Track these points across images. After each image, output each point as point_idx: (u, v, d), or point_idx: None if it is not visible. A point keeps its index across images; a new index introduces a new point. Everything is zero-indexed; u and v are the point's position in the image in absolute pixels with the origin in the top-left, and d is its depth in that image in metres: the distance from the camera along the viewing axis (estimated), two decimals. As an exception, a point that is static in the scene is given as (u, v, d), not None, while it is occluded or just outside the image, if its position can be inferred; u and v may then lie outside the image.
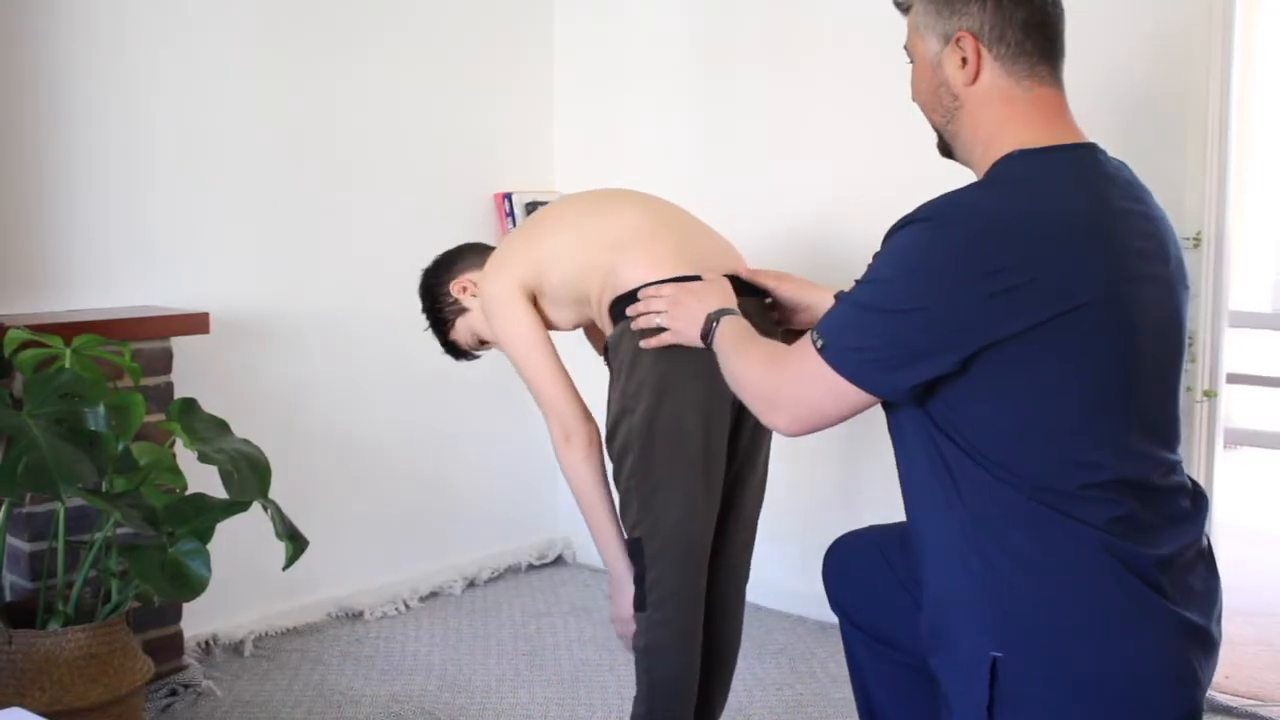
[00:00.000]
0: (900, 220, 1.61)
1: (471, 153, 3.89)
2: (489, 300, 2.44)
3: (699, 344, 2.06)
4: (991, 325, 1.51)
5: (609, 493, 2.37)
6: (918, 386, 1.58)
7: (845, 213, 3.47)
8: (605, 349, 2.35)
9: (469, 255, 2.62)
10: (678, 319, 2.10)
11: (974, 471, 1.57)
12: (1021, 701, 1.54)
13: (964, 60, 1.64)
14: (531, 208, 3.89)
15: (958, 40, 1.64)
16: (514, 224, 3.89)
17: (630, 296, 2.24)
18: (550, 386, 2.36)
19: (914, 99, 1.77)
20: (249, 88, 3.32)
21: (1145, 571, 1.54)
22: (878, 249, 1.66)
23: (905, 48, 1.76)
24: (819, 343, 1.63)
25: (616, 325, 2.28)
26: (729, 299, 2.10)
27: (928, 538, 1.66)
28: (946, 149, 1.77)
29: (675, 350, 2.20)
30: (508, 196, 3.90)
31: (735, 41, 3.70)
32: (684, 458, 2.24)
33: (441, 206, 3.81)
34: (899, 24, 1.82)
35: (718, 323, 2.01)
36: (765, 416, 1.76)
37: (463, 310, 2.60)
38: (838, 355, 1.61)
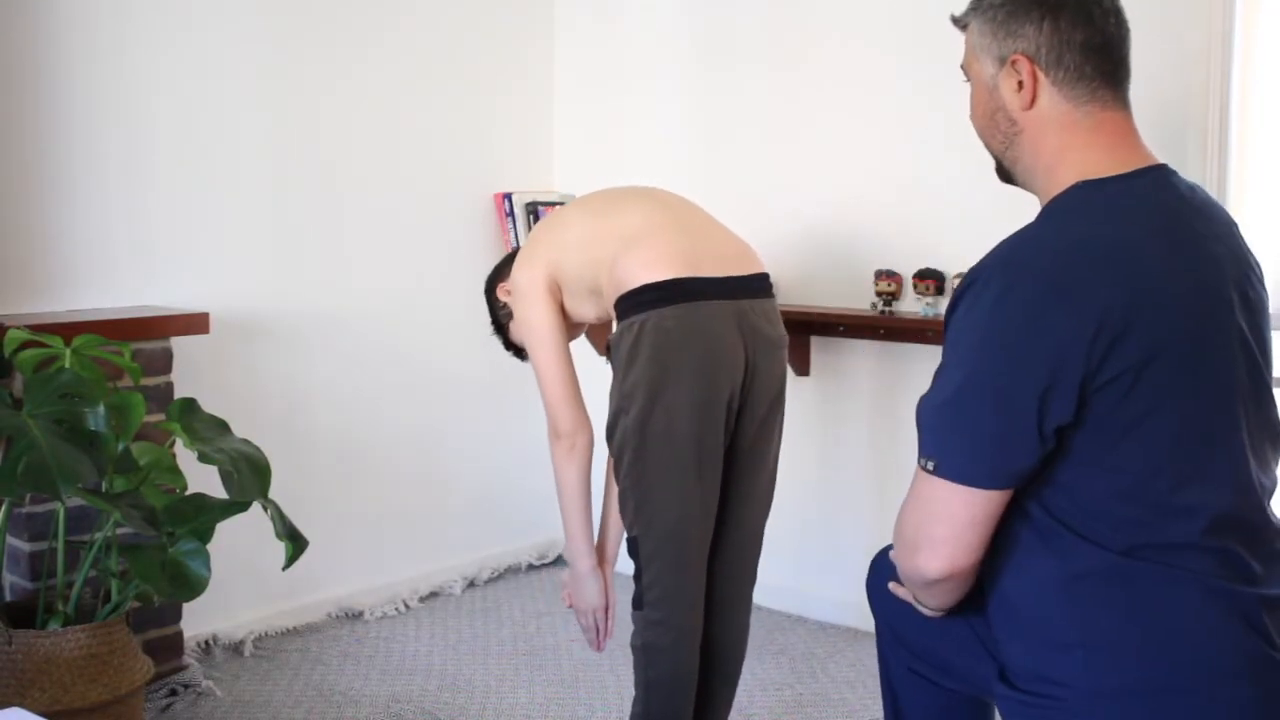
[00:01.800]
0: (960, 285, 1.53)
1: (471, 153, 3.90)
2: (515, 290, 2.49)
3: None
4: (1089, 364, 1.43)
5: (586, 493, 2.44)
6: (1046, 451, 1.47)
7: (845, 212, 3.47)
8: (607, 347, 2.37)
9: (513, 261, 2.64)
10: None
11: (1060, 530, 1.50)
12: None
13: (1020, 84, 1.57)
14: (531, 208, 3.89)
15: (1013, 63, 1.56)
16: (514, 224, 3.89)
17: (633, 295, 2.25)
18: (553, 384, 2.40)
19: (971, 120, 1.68)
20: (249, 88, 3.32)
21: (1250, 614, 1.48)
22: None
23: (962, 67, 1.68)
24: (929, 465, 1.51)
25: (620, 323, 2.29)
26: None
27: (1009, 587, 1.58)
28: (1006, 174, 1.69)
29: (672, 351, 2.20)
30: (508, 196, 3.90)
31: (735, 41, 3.70)
32: (678, 458, 2.24)
33: (441, 206, 3.81)
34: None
35: None
36: (911, 563, 1.58)
37: (511, 314, 2.63)
38: (953, 466, 1.49)
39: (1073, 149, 1.55)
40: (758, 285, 2.35)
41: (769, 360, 2.33)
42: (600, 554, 2.52)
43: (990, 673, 1.65)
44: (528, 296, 2.43)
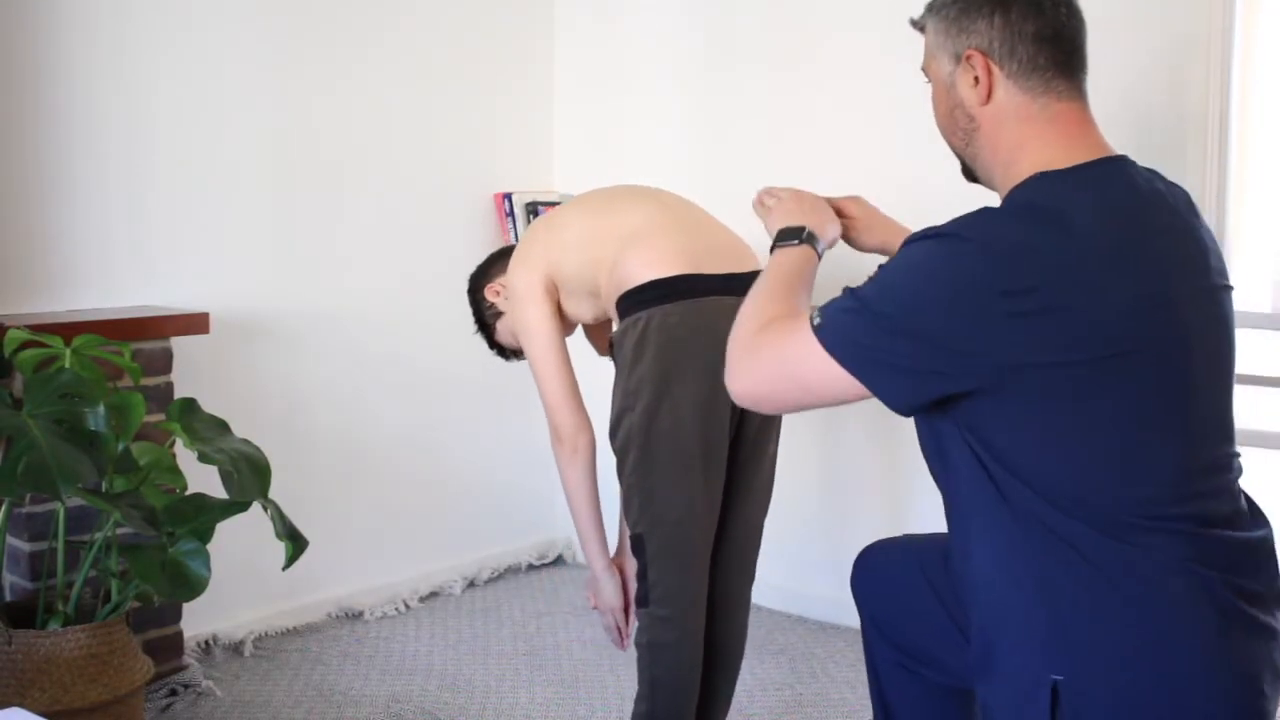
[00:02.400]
0: (920, 232, 1.55)
1: (471, 153, 3.89)
2: (512, 293, 2.49)
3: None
4: (1011, 347, 1.43)
5: (594, 494, 2.43)
6: (924, 404, 1.51)
7: (845, 213, 3.47)
8: (610, 345, 2.37)
9: (501, 260, 2.65)
10: (777, 214, 1.88)
11: (1023, 492, 1.49)
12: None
13: (976, 79, 1.59)
14: (531, 208, 3.89)
15: (968, 59, 1.59)
16: (514, 224, 3.89)
17: (636, 292, 2.25)
18: (552, 387, 2.40)
19: (936, 122, 1.70)
20: (249, 88, 3.32)
21: (1222, 599, 1.48)
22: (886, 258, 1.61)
23: (922, 69, 1.70)
24: (817, 320, 1.53)
25: (622, 321, 2.29)
26: (826, 228, 1.86)
27: (974, 555, 1.58)
28: (970, 173, 1.71)
29: (677, 347, 2.21)
30: (508, 196, 3.89)
31: (735, 41, 3.70)
32: (683, 455, 2.25)
33: (441, 206, 3.81)
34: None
35: (787, 241, 1.79)
36: (729, 369, 1.64)
37: (499, 314, 2.64)
38: (837, 341, 1.50)
39: (1029, 141, 1.56)
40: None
41: None
42: (620, 553, 2.51)
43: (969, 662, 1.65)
44: (525, 299, 2.43)
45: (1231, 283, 1.64)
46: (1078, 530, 1.47)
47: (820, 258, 1.82)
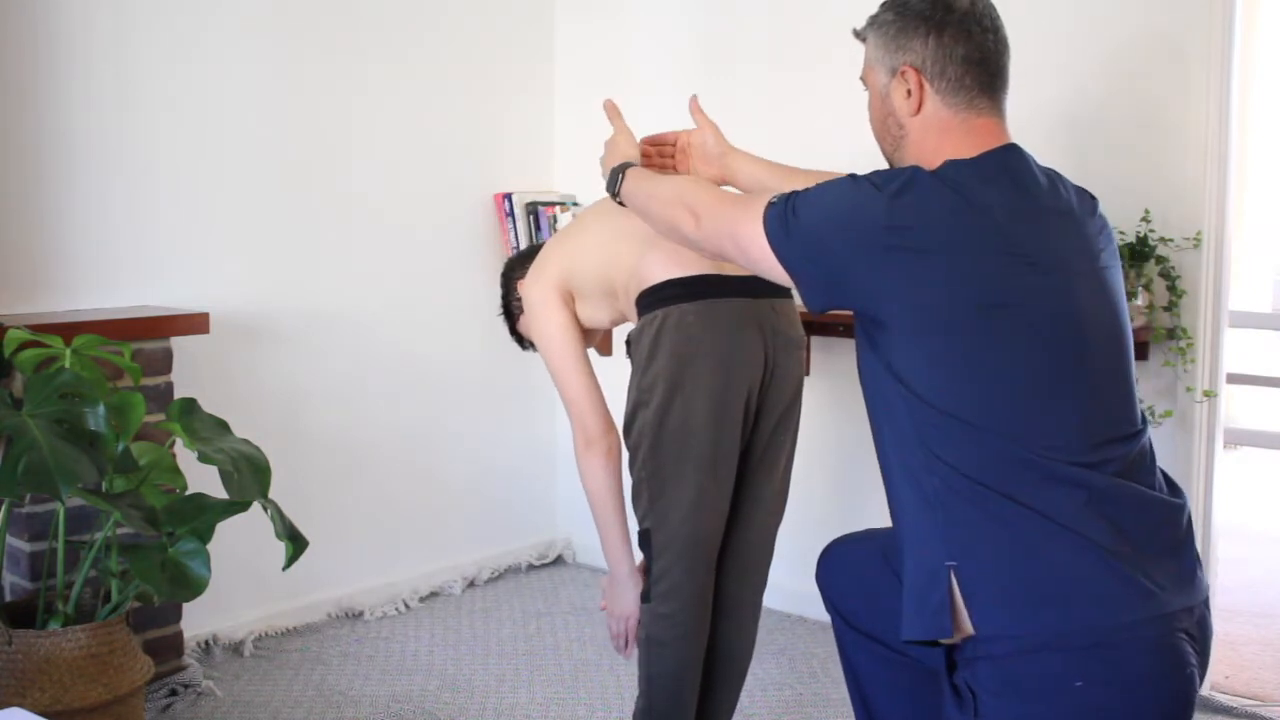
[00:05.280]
0: (852, 174, 1.73)
1: (471, 153, 3.90)
2: (528, 304, 2.49)
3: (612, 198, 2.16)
4: (891, 279, 1.62)
5: (621, 499, 2.40)
6: (826, 307, 1.72)
7: (845, 213, 3.47)
8: (627, 342, 2.37)
9: (535, 256, 2.62)
10: (604, 165, 2.22)
11: (927, 413, 1.65)
12: (973, 604, 1.62)
13: (909, 92, 1.74)
14: (531, 208, 3.89)
15: (903, 74, 1.75)
16: (514, 224, 3.89)
17: (655, 290, 2.26)
18: (578, 393, 2.39)
19: (870, 127, 1.87)
20: (250, 88, 3.32)
21: (1108, 542, 1.60)
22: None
23: (861, 78, 1.87)
24: (773, 200, 1.74)
25: (641, 318, 2.29)
26: (628, 155, 2.22)
27: (894, 484, 1.73)
28: None
29: (692, 346, 2.22)
30: (508, 197, 3.89)
31: (736, 42, 3.70)
32: (694, 453, 2.25)
33: (441, 206, 3.81)
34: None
35: (623, 175, 2.10)
36: (681, 221, 1.89)
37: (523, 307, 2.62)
38: (773, 230, 1.72)
39: (945, 148, 1.72)
40: (778, 286, 2.36)
41: (787, 359, 2.34)
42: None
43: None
44: (540, 309, 2.43)
45: (1119, 262, 1.80)
46: (983, 465, 1.62)
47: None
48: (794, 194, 1.74)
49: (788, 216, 1.72)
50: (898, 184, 1.65)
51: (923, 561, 1.67)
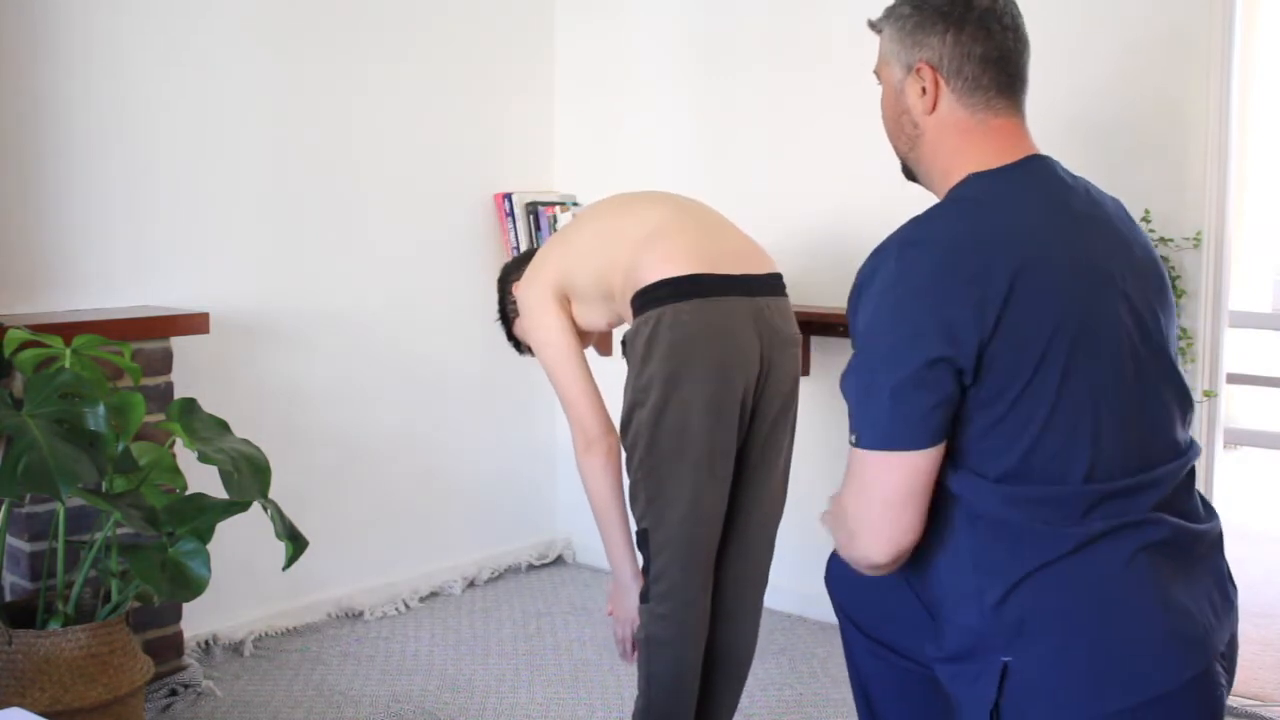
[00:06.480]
0: (864, 265, 1.61)
1: (471, 153, 3.90)
2: (524, 307, 2.50)
3: None
4: (983, 330, 1.51)
5: (623, 501, 2.41)
6: (948, 413, 1.54)
7: (845, 213, 3.47)
8: (624, 342, 2.37)
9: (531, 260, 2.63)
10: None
11: (975, 482, 1.56)
12: (1029, 700, 1.54)
13: (924, 90, 1.68)
14: (531, 208, 3.89)
15: (918, 70, 1.68)
16: (514, 224, 3.89)
17: (650, 290, 2.26)
18: (576, 395, 2.39)
19: (883, 124, 1.80)
20: (249, 88, 3.32)
21: (1164, 586, 1.54)
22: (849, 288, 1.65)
23: (875, 72, 1.80)
24: (854, 438, 1.57)
25: (636, 318, 2.30)
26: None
27: (933, 544, 1.63)
28: (910, 174, 1.80)
29: (688, 345, 2.21)
30: (508, 196, 3.90)
31: (735, 42, 3.70)
32: (691, 452, 2.25)
33: (441, 207, 3.81)
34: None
35: None
36: (852, 550, 1.62)
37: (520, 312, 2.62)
38: (876, 435, 1.54)
39: (967, 150, 1.66)
40: (774, 284, 2.37)
41: (783, 357, 2.35)
42: None
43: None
44: (537, 312, 2.44)
45: (1165, 276, 1.71)
46: (1018, 517, 1.54)
47: None
48: (852, 378, 1.59)
49: (869, 402, 1.55)
50: (944, 234, 1.57)
51: (963, 629, 1.58)
